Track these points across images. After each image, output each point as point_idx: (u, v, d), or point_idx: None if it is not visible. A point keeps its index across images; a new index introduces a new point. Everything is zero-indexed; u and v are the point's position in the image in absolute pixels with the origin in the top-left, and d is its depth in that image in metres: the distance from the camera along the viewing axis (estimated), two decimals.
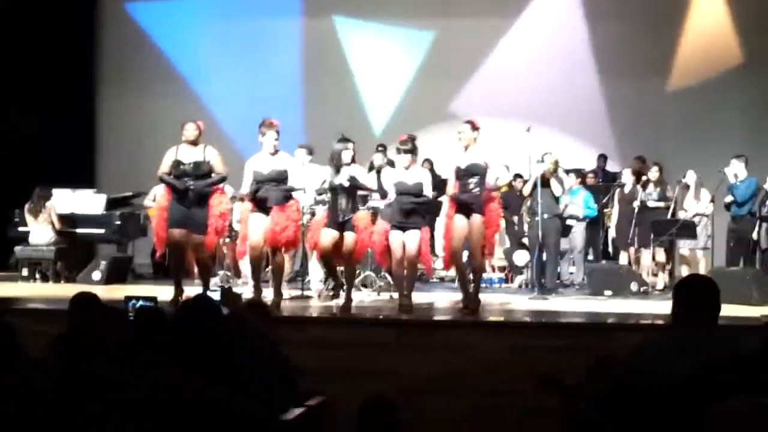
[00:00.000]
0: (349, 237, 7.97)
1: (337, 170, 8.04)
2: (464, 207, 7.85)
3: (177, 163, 8.05)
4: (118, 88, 14.50)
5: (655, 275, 10.53)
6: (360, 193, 8.34)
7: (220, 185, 8.24)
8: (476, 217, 7.83)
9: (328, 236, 8.01)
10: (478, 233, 7.83)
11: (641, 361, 3.34)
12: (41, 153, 12.45)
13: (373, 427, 3.92)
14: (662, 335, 3.54)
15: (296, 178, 8.24)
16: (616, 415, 3.51)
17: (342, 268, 8.39)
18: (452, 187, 8.05)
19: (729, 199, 10.19)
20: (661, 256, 10.39)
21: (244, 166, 8.32)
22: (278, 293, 8.19)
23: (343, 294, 8.18)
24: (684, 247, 10.28)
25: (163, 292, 8.18)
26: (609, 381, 3.57)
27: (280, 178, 8.12)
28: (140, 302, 5.90)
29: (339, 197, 8.03)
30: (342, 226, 8.00)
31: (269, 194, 8.05)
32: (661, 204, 10.43)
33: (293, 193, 8.28)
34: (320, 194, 8.55)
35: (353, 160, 8.16)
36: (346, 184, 7.95)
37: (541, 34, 13.95)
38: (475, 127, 7.99)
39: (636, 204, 10.49)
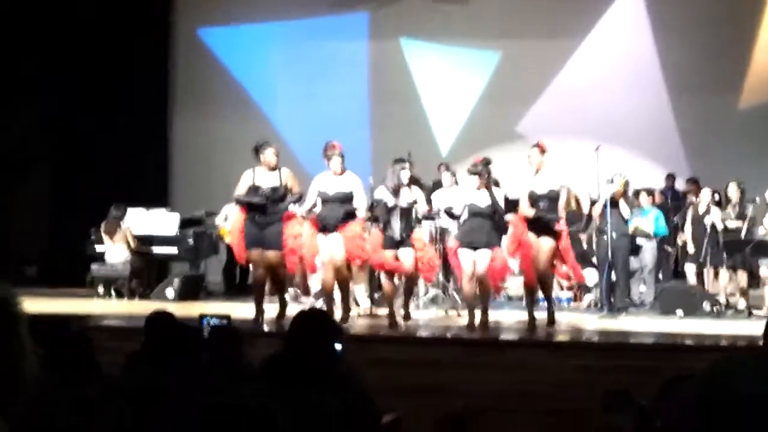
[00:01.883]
0: (409, 254, 8.04)
1: (395, 192, 8.13)
2: (538, 228, 7.86)
3: (255, 188, 8.18)
4: (190, 110, 14.79)
5: (732, 296, 10.31)
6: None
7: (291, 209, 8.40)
8: (546, 240, 7.84)
9: (387, 256, 8.10)
10: (548, 256, 7.85)
11: (722, 379, 3.30)
12: (117, 173, 12.78)
13: None
14: (743, 355, 3.50)
15: (360, 199, 8.34)
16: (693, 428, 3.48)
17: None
18: (525, 209, 8.08)
19: None
20: (743, 278, 10.13)
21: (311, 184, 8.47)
22: (347, 309, 8.30)
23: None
24: (764, 266, 10.03)
25: (235, 310, 8.32)
26: (685, 399, 3.53)
27: (345, 199, 8.23)
28: (214, 320, 6.00)
29: (394, 217, 8.09)
30: (399, 245, 8.08)
31: (331, 213, 8.17)
32: (740, 223, 10.16)
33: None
34: (369, 212, 8.58)
35: (412, 182, 8.27)
36: (404, 205, 8.05)
37: (609, 52, 13.84)
38: (543, 150, 8.00)
39: (708, 223, 10.30)
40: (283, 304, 8.42)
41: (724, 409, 3.22)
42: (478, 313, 8.14)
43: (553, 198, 7.93)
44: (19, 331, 1.94)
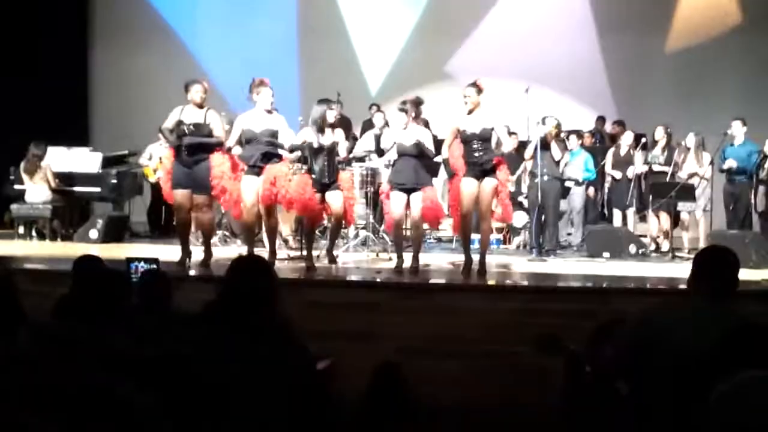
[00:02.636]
0: (338, 197, 7.97)
1: (321, 131, 8.01)
2: (477, 170, 7.80)
3: (179, 123, 7.99)
4: (110, 44, 14.33)
5: (656, 238, 10.53)
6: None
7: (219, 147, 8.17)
8: (489, 181, 7.80)
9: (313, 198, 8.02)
10: (491, 197, 7.82)
11: (656, 327, 3.34)
12: (35, 111, 12.33)
13: (384, 392, 3.92)
14: (675, 302, 3.53)
15: (286, 138, 8.19)
16: (625, 380, 3.53)
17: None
18: (453, 149, 7.99)
19: (730, 163, 10.14)
20: (665, 220, 10.34)
21: (233, 122, 8.29)
22: (273, 254, 8.20)
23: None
24: (683, 210, 10.27)
25: (161, 252, 8.17)
26: (617, 345, 3.57)
27: (272, 137, 8.09)
28: (142, 264, 5.87)
29: (321, 159, 8.00)
30: (326, 187, 7.99)
31: (261, 154, 8.02)
32: (667, 168, 10.33)
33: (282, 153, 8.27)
34: (292, 151, 8.43)
35: (341, 122, 8.16)
36: (327, 145, 7.94)
37: None
38: (480, 90, 7.93)
39: (635, 167, 10.46)
40: (208, 249, 8.26)
41: (655, 359, 3.27)
42: (407, 256, 8.13)
43: (486, 138, 7.88)
44: None
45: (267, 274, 3.68)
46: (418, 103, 8.18)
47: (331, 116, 8.08)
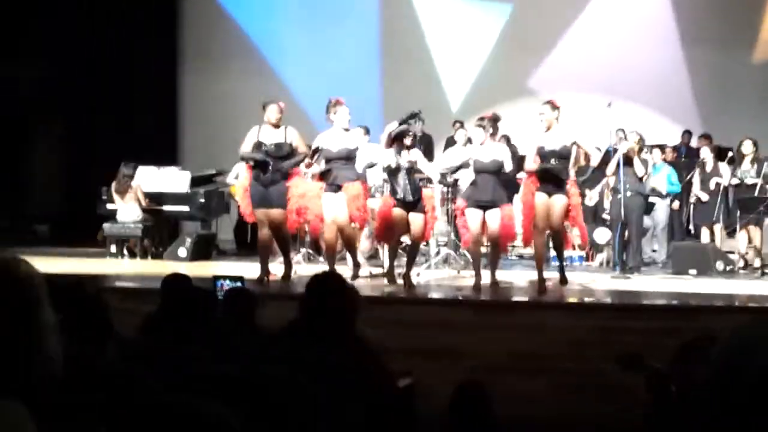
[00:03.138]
0: (419, 219, 8.03)
1: (398, 152, 8.08)
2: (550, 187, 7.78)
3: (258, 144, 8.15)
4: (200, 67, 14.70)
5: (745, 254, 10.27)
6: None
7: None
8: (560, 198, 7.76)
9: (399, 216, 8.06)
10: (561, 213, 7.78)
11: (745, 343, 3.28)
12: (128, 131, 12.74)
13: (467, 410, 3.94)
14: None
15: (363, 157, 8.30)
16: (714, 398, 3.47)
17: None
18: (531, 165, 7.97)
19: None
20: (755, 235, 10.06)
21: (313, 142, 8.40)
22: (357, 265, 8.30)
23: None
24: None
25: (248, 269, 8.33)
26: (707, 362, 3.51)
27: (350, 156, 8.19)
28: (228, 282, 6.01)
29: (401, 178, 8.05)
30: (410, 206, 8.04)
31: (339, 173, 8.13)
32: (759, 181, 10.05)
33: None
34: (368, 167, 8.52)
35: (414, 143, 8.22)
36: (406, 165, 7.99)
37: (623, 5, 13.69)
38: (555, 107, 7.90)
39: (720, 181, 10.23)
40: (287, 265, 8.39)
41: (746, 381, 3.22)
42: (486, 274, 8.12)
43: (564, 155, 7.84)
44: (42, 313, 1.92)
45: (343, 291, 3.75)
46: (495, 119, 8.18)
47: (408, 137, 8.16)
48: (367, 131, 9.95)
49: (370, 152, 8.59)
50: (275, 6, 14.61)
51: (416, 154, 8.19)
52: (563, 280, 7.92)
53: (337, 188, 8.09)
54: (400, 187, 8.04)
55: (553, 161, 7.79)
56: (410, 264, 8.31)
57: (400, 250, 9.01)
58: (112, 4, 13.42)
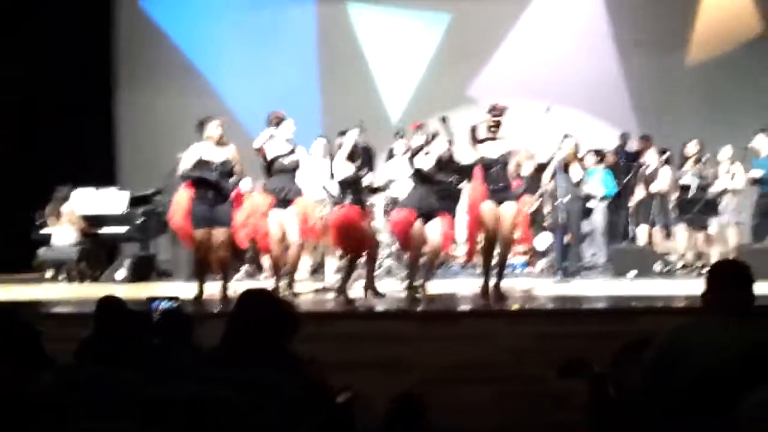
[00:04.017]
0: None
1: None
2: (497, 195, 7.80)
3: (204, 163, 7.94)
4: (135, 84, 14.53)
5: (683, 254, 10.42)
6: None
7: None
8: (510, 205, 7.79)
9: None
10: (512, 221, 7.80)
11: (676, 346, 3.31)
12: (62, 153, 12.50)
13: (402, 424, 3.91)
14: (696, 320, 3.49)
15: (310, 170, 8.25)
16: (649, 401, 3.49)
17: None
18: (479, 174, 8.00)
19: (757, 173, 10.04)
20: (698, 237, 10.21)
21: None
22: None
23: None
24: (712, 224, 10.14)
25: (187, 290, 8.21)
26: (641, 366, 3.54)
27: (295, 169, 8.15)
28: (164, 303, 5.91)
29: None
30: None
31: (290, 186, 8.06)
32: (701, 182, 10.19)
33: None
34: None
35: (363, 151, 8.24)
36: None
37: (559, 12, 13.86)
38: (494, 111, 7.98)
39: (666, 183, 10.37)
40: (225, 287, 8.17)
41: (679, 385, 3.24)
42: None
43: (504, 163, 7.88)
44: None
45: (273, 306, 3.71)
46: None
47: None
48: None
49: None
50: (211, 22, 14.48)
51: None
52: (501, 294, 7.89)
53: (287, 204, 8.02)
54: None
55: (493, 170, 7.82)
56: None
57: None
58: (43, 21, 13.16)
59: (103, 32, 14.32)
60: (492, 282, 7.92)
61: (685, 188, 10.30)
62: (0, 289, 9.69)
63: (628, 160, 12.04)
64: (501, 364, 6.54)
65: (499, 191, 7.78)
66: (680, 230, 10.22)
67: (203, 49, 14.52)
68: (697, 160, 10.31)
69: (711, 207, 9.82)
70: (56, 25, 13.10)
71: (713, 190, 10.10)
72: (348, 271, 8.21)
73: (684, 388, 3.22)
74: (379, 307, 7.89)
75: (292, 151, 8.17)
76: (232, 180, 8.04)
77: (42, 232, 10.95)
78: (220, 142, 8.06)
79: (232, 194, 8.15)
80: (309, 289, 8.87)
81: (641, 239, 10.62)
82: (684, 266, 10.26)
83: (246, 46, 14.27)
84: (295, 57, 14.15)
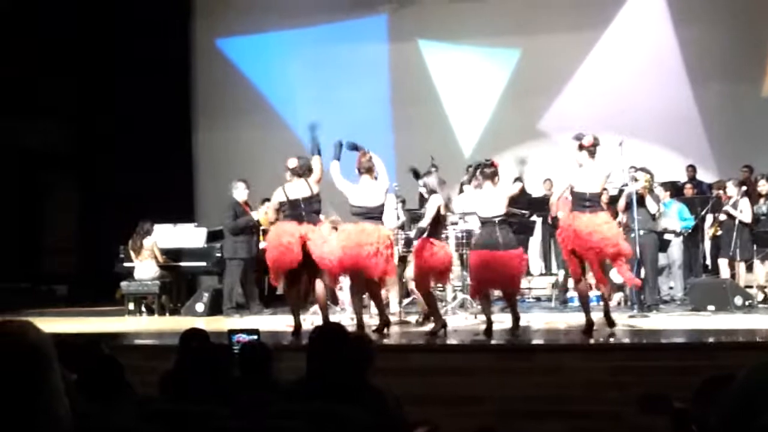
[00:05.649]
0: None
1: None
2: None
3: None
4: (213, 122, 14.89)
5: (764, 288, 10.19)
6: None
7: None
8: None
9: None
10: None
11: (758, 384, 3.25)
12: (143, 189, 12.87)
13: None
14: None
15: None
16: None
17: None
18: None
19: None
20: None
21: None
22: (381, 317, 8.30)
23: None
24: None
25: (263, 323, 8.33)
26: (724, 403, 3.49)
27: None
28: (243, 335, 6.02)
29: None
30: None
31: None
32: None
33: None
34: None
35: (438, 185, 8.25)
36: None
37: (629, 45, 13.79)
38: (581, 147, 7.99)
39: (739, 214, 10.18)
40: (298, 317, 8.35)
41: (761, 423, 3.19)
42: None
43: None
44: (50, 376, 1.95)
45: (346, 341, 3.77)
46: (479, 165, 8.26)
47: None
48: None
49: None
50: (285, 60, 14.78)
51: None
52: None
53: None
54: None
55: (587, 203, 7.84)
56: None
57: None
58: (126, 62, 13.61)
59: (182, 71, 14.73)
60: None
61: (760, 221, 10.11)
62: (83, 322, 9.95)
63: (702, 192, 11.87)
64: (576, 398, 6.49)
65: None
66: (759, 263, 10.02)
67: (278, 86, 14.82)
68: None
69: None
70: (140, 63, 13.53)
71: None
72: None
73: (764, 427, 3.16)
74: (455, 340, 7.88)
75: None
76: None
77: (124, 265, 11.22)
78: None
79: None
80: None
81: (723, 272, 10.41)
82: (765, 300, 10.03)
83: (319, 83, 14.49)
84: (368, 93, 14.32)
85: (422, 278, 8.10)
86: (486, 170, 8.12)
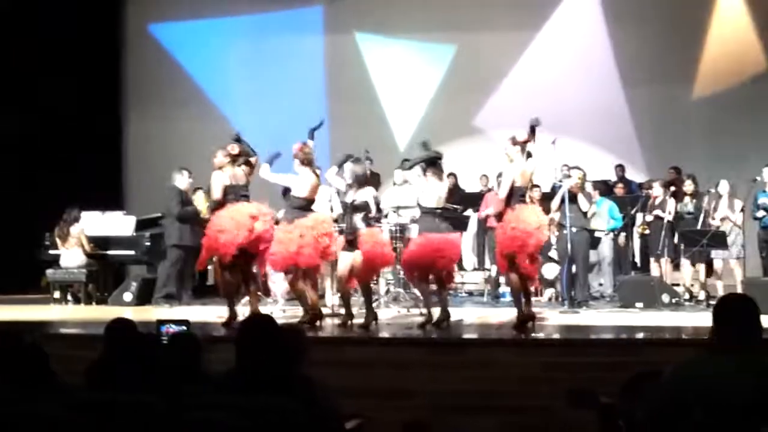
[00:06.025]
0: (357, 255, 7.97)
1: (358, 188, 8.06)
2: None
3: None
4: (143, 109, 14.61)
5: (691, 286, 10.41)
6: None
7: None
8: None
9: (344, 258, 8.02)
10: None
11: (684, 381, 3.30)
12: (69, 176, 12.56)
13: None
14: (704, 355, 3.48)
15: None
16: None
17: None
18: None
19: (763, 212, 10.10)
20: (701, 269, 10.23)
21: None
22: (306, 310, 8.27)
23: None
24: (717, 257, 10.16)
25: (192, 314, 8.22)
26: (651, 399, 3.53)
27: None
28: (173, 326, 5.91)
29: (349, 216, 8.04)
30: (351, 244, 8.01)
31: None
32: (696, 213, 10.26)
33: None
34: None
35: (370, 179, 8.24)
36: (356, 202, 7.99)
37: (564, 45, 13.93)
38: (514, 143, 8.05)
39: (666, 215, 10.37)
40: (233, 308, 8.31)
41: (688, 416, 3.23)
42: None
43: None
44: None
45: (276, 332, 3.73)
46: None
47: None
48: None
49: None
50: (220, 49, 14.59)
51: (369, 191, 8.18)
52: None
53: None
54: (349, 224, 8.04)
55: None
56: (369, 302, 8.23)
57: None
58: (53, 46, 13.25)
59: (112, 55, 14.42)
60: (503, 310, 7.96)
61: (685, 220, 10.32)
62: (7, 310, 9.70)
63: (632, 191, 12.06)
64: (507, 393, 6.53)
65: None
66: (686, 263, 10.23)
67: (212, 75, 14.62)
68: (693, 194, 10.35)
69: (718, 240, 9.82)
70: (67, 48, 13.19)
71: (714, 222, 10.14)
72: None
73: (692, 423, 3.20)
74: (387, 333, 7.87)
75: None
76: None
77: (50, 252, 10.97)
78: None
79: None
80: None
81: (654, 270, 10.59)
82: (691, 298, 10.25)
83: (254, 73, 14.36)
84: (303, 84, 14.22)
85: (369, 269, 8.07)
86: (439, 163, 8.11)
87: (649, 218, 10.66)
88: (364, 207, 8.00)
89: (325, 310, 9.08)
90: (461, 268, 10.94)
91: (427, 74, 14.33)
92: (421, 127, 14.14)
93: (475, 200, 11.45)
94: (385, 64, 14.46)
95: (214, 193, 8.32)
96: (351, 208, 7.98)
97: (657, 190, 10.73)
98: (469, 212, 11.54)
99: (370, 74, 14.49)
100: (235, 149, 8.38)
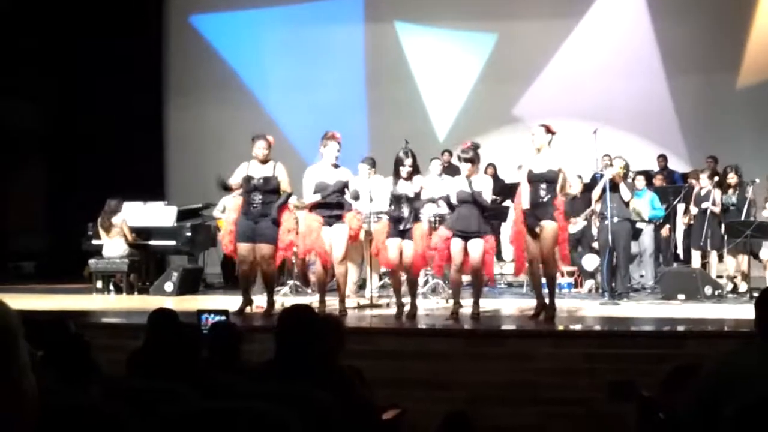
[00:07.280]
0: (408, 247, 7.95)
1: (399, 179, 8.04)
2: (539, 211, 7.75)
3: (248, 179, 8.15)
4: (184, 99, 14.72)
5: (734, 278, 10.27)
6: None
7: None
8: (549, 224, 7.72)
9: (393, 246, 8.00)
10: (552, 240, 7.72)
11: (725, 373, 3.26)
12: (113, 167, 12.71)
13: None
14: (746, 347, 3.43)
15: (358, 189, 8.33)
16: (697, 428, 3.44)
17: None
18: (525, 192, 7.92)
19: None
20: (744, 261, 10.09)
21: (304, 175, 8.35)
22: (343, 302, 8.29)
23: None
24: (764, 248, 9.98)
25: (234, 303, 8.28)
26: (692, 391, 3.49)
27: (343, 190, 8.22)
28: (212, 316, 5.98)
29: (402, 207, 8.01)
30: (402, 235, 7.99)
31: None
32: (739, 204, 10.11)
33: (354, 204, 8.42)
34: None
35: (416, 170, 8.13)
36: (411, 194, 7.93)
37: (606, 34, 13.79)
38: (549, 131, 7.90)
39: (709, 206, 10.22)
40: (271, 298, 8.35)
41: (731, 405, 3.19)
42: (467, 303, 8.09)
43: (550, 180, 7.80)
44: (17, 352, 1.89)
45: (315, 324, 3.74)
46: (476, 147, 8.14)
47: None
48: (373, 164, 9.64)
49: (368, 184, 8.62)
50: (261, 39, 14.65)
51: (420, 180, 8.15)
52: (551, 315, 7.79)
53: (335, 219, 8.11)
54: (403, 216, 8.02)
55: (541, 186, 7.76)
56: (413, 294, 8.26)
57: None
58: (97, 40, 13.40)
59: (154, 47, 14.55)
60: (544, 301, 7.88)
61: (729, 212, 10.17)
62: (50, 299, 9.83)
63: (675, 182, 11.91)
64: (547, 384, 6.49)
65: (538, 208, 7.74)
66: (728, 254, 10.08)
67: (252, 65, 14.68)
68: (737, 185, 10.20)
69: (763, 231, 9.66)
70: (111, 41, 13.33)
71: (765, 213, 9.98)
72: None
73: (733, 416, 3.16)
74: (426, 324, 7.85)
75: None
76: (282, 199, 8.16)
77: (93, 243, 11.09)
78: (265, 160, 8.20)
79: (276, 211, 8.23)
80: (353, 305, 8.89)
81: (695, 262, 10.46)
82: (734, 290, 10.11)
83: (294, 63, 14.39)
84: (343, 73, 14.24)
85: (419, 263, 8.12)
86: (479, 153, 8.06)
87: (694, 210, 10.51)
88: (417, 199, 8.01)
89: (363, 301, 9.15)
90: (500, 259, 10.87)
91: (466, 63, 14.26)
92: (460, 116, 14.10)
93: (514, 191, 11.35)
94: (424, 54, 14.41)
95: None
96: (406, 200, 7.97)
97: (704, 181, 10.56)
98: (507, 203, 11.46)
99: (410, 63, 14.46)
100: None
